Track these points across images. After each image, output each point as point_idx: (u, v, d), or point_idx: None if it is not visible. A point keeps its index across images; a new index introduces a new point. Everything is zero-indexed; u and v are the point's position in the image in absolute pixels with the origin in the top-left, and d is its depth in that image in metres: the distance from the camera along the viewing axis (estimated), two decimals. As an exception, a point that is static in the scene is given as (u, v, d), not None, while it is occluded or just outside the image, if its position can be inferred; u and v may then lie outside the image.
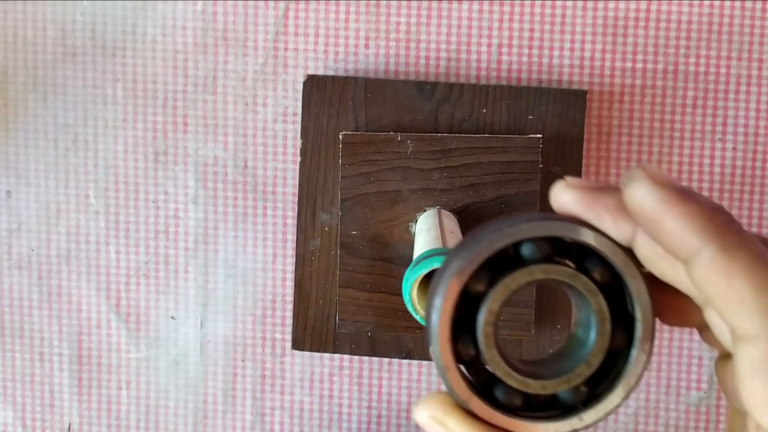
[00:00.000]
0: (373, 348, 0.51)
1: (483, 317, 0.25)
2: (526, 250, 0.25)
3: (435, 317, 0.25)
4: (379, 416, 0.53)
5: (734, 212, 0.51)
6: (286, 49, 0.51)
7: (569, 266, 0.25)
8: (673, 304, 0.26)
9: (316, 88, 0.50)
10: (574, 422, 0.25)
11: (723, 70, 0.51)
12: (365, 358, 0.53)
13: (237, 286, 0.53)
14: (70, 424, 0.54)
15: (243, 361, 0.53)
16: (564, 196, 0.25)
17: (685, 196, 0.23)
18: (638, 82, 0.51)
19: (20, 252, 0.53)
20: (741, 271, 0.23)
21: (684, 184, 0.24)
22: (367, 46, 0.51)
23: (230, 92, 0.52)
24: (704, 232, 0.23)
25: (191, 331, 0.54)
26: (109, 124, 0.52)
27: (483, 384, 0.26)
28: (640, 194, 0.23)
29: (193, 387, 0.54)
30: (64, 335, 0.54)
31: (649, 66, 0.51)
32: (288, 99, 0.52)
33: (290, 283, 0.53)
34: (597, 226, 0.25)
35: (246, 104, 0.52)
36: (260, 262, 0.53)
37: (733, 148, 0.51)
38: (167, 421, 0.54)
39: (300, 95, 0.51)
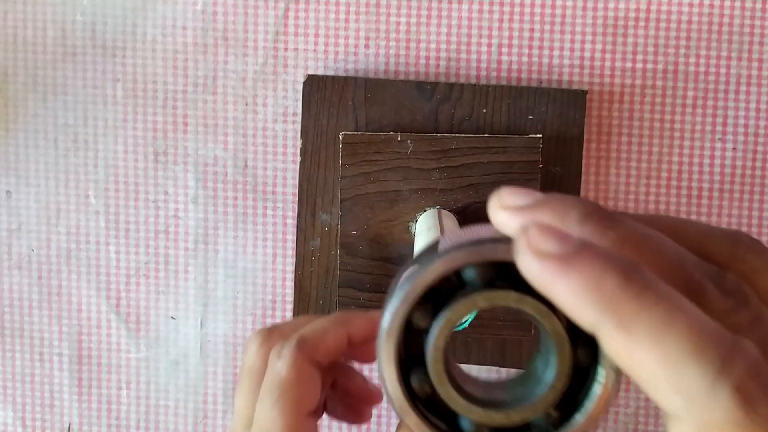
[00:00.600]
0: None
1: (431, 355, 0.24)
2: (468, 275, 0.24)
3: (380, 360, 0.24)
4: (379, 416, 0.53)
5: (734, 212, 0.51)
6: (286, 49, 0.51)
7: (513, 290, 0.23)
8: None
9: (316, 88, 0.50)
10: None
11: (723, 70, 0.51)
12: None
13: (237, 286, 0.53)
14: (70, 424, 0.54)
15: (243, 361, 0.54)
16: (499, 216, 0.23)
17: (565, 266, 0.21)
18: (638, 82, 0.51)
19: (20, 252, 0.53)
20: (644, 347, 0.20)
21: (613, 210, 0.22)
22: (367, 46, 0.51)
23: (230, 92, 0.52)
24: (594, 308, 0.20)
25: (191, 331, 0.54)
26: (109, 124, 0.52)
27: (449, 415, 0.25)
28: (525, 268, 0.21)
29: (193, 387, 0.54)
30: (64, 335, 0.54)
31: (649, 66, 0.51)
32: (288, 99, 0.52)
33: (290, 283, 0.53)
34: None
35: (246, 104, 0.52)
36: (260, 262, 0.53)
37: (733, 148, 0.51)
38: (167, 421, 0.54)
39: (300, 95, 0.51)
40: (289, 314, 0.53)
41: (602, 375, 0.23)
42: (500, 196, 0.23)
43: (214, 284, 0.53)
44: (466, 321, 0.38)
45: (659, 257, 0.22)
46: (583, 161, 0.51)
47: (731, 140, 0.51)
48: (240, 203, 0.53)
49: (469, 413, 0.24)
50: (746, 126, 0.51)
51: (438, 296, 0.24)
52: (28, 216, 0.53)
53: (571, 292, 0.21)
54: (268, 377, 0.35)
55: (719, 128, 0.51)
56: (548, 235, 0.21)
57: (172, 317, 0.54)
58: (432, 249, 0.25)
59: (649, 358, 0.20)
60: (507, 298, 0.23)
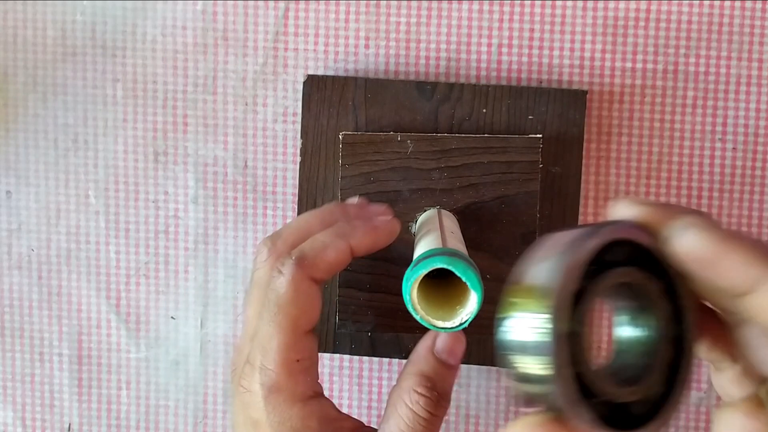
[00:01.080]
0: (373, 348, 0.51)
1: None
2: (609, 256, 0.25)
3: (551, 359, 0.24)
4: (379, 416, 0.53)
5: (734, 212, 0.51)
6: (286, 49, 0.51)
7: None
8: (708, 328, 0.28)
9: (316, 88, 0.50)
10: (663, 419, 0.26)
11: (723, 70, 0.51)
12: (365, 358, 0.53)
13: (237, 286, 0.53)
14: (70, 424, 0.54)
15: (243, 361, 0.54)
16: (629, 210, 0.27)
17: (734, 237, 0.25)
18: (638, 82, 0.51)
19: (20, 252, 0.53)
20: None
21: (686, 185, 0.27)
22: (367, 46, 0.51)
23: (230, 92, 0.52)
24: (761, 265, 0.25)
25: (191, 331, 0.54)
26: (109, 124, 0.52)
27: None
28: (694, 241, 0.25)
29: (193, 387, 0.54)
30: (64, 335, 0.54)
31: (649, 66, 0.51)
32: (288, 99, 0.52)
33: (290, 283, 0.53)
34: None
35: (246, 104, 0.52)
36: (260, 262, 0.53)
37: (733, 148, 0.51)
38: (167, 421, 0.54)
39: (300, 95, 0.51)
40: (289, 314, 0.53)
41: (686, 365, 0.26)
42: (629, 198, 0.27)
43: (214, 284, 0.53)
44: (466, 321, 0.38)
45: None
46: (583, 161, 0.51)
47: (731, 140, 0.51)
48: (240, 203, 0.53)
49: (610, 390, 0.25)
50: (746, 126, 0.51)
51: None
52: (28, 216, 0.53)
53: (741, 256, 0.25)
54: (268, 293, 0.36)
55: (719, 128, 0.51)
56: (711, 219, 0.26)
57: (172, 317, 0.54)
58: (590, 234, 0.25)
59: None
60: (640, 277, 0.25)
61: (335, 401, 0.53)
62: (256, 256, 0.39)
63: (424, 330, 0.39)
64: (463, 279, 0.37)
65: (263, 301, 0.37)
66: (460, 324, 0.39)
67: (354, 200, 0.45)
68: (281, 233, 0.40)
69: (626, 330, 0.27)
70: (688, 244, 0.25)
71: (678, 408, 0.26)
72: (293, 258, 0.36)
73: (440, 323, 0.38)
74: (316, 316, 0.37)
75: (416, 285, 0.38)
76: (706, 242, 0.25)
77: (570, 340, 0.24)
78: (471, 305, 0.38)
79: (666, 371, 0.26)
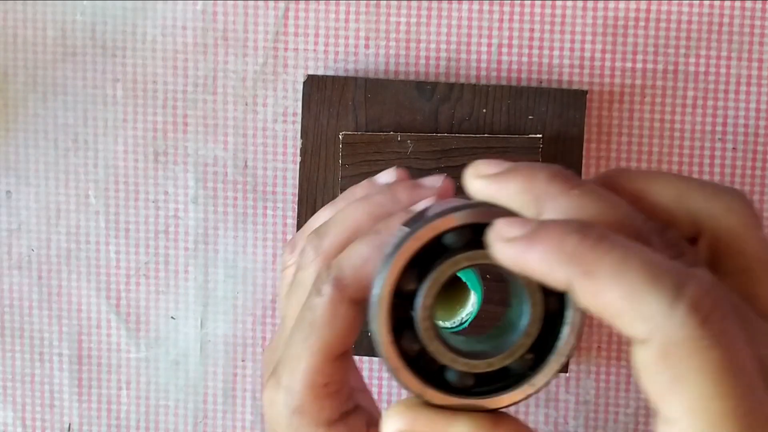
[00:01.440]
0: (373, 348, 0.51)
1: (419, 314, 0.27)
2: (448, 240, 0.27)
3: (374, 325, 0.27)
4: (379, 416, 0.53)
5: (734, 212, 0.51)
6: (286, 49, 0.51)
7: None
8: None
9: (316, 88, 0.50)
10: (525, 389, 0.27)
11: (723, 70, 0.51)
12: (365, 358, 0.53)
13: (237, 286, 0.53)
14: (70, 424, 0.54)
15: (243, 361, 0.54)
16: (475, 184, 0.27)
17: (531, 241, 0.24)
18: (638, 82, 0.51)
19: (20, 252, 0.53)
20: (608, 287, 0.23)
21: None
22: (367, 46, 0.51)
23: (230, 92, 0.52)
24: (562, 266, 0.24)
25: (191, 331, 0.54)
26: (109, 124, 0.52)
27: (436, 371, 0.28)
28: (500, 254, 0.25)
29: (193, 387, 0.54)
30: (64, 335, 0.54)
31: (649, 66, 0.51)
32: (288, 99, 0.52)
33: (290, 283, 0.53)
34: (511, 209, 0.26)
35: (246, 104, 0.52)
36: (260, 262, 0.53)
37: (733, 148, 0.51)
38: (167, 421, 0.54)
39: (300, 95, 0.51)
40: (289, 314, 0.53)
41: (570, 317, 0.26)
42: (476, 167, 0.27)
43: (214, 284, 0.53)
44: (466, 321, 0.38)
45: (613, 212, 0.25)
46: (583, 161, 0.51)
47: (731, 140, 0.51)
48: (240, 203, 0.53)
49: (454, 364, 0.27)
50: (746, 126, 0.51)
51: (423, 262, 0.27)
52: (28, 216, 0.53)
53: (541, 260, 0.24)
54: (303, 311, 0.35)
55: (719, 128, 0.51)
56: (512, 223, 0.25)
57: (172, 317, 0.54)
58: (417, 218, 0.28)
59: (614, 296, 0.23)
60: (485, 256, 0.26)
61: (335, 401, 0.53)
62: (302, 256, 0.37)
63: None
64: (463, 279, 0.37)
65: (301, 314, 0.36)
66: (460, 324, 0.39)
67: (392, 175, 0.39)
68: (327, 231, 0.37)
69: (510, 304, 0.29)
70: (497, 256, 0.25)
71: (540, 381, 0.27)
72: (332, 277, 0.34)
73: (440, 323, 0.38)
74: (352, 339, 0.35)
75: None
76: (507, 255, 0.25)
77: (399, 310, 0.27)
78: (470, 305, 0.38)
79: (537, 337, 0.27)
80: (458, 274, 0.30)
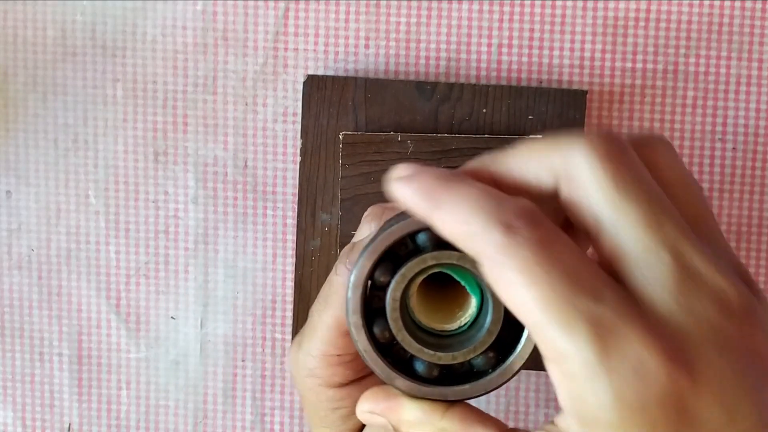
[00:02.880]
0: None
1: (389, 305, 0.30)
2: (420, 240, 0.29)
3: (349, 309, 0.30)
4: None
5: (734, 212, 0.51)
6: (286, 49, 0.51)
7: (455, 250, 0.28)
8: None
9: (316, 88, 0.50)
10: (484, 384, 0.29)
11: (723, 70, 0.51)
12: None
13: (237, 286, 0.53)
14: (70, 424, 0.54)
15: (243, 361, 0.54)
16: (392, 186, 0.29)
17: (408, 181, 0.28)
18: (638, 82, 0.51)
19: (20, 252, 0.53)
20: (449, 217, 0.26)
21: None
22: (367, 46, 0.51)
23: (230, 92, 0.52)
24: (423, 202, 0.27)
25: (191, 331, 0.54)
26: (109, 124, 0.52)
27: (407, 361, 0.30)
28: (391, 191, 0.28)
29: (193, 387, 0.54)
30: (64, 335, 0.54)
31: (649, 66, 0.51)
32: (288, 99, 0.52)
33: (290, 283, 0.53)
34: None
35: (246, 104, 0.52)
36: (260, 262, 0.53)
37: (733, 148, 0.51)
38: (167, 421, 0.54)
39: (300, 95, 0.51)
40: (289, 314, 0.53)
41: None
42: (394, 170, 0.29)
43: (214, 284, 0.53)
44: (465, 325, 0.38)
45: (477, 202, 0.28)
46: (583, 161, 0.51)
47: (731, 140, 0.51)
48: (240, 203, 0.53)
49: (421, 354, 0.30)
50: (746, 126, 0.51)
51: (397, 258, 0.30)
52: (28, 216, 0.53)
53: (413, 196, 0.28)
54: (323, 287, 0.38)
55: (719, 128, 0.51)
56: (405, 167, 0.29)
57: (172, 317, 0.54)
58: (396, 218, 0.31)
59: (454, 223, 0.26)
60: (451, 257, 0.29)
61: (335, 401, 0.54)
62: (337, 263, 0.39)
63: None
64: (462, 283, 0.37)
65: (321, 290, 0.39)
66: (459, 328, 0.39)
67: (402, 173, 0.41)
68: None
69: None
70: (391, 191, 0.28)
71: (499, 379, 0.29)
72: (347, 260, 0.37)
73: (438, 327, 0.38)
74: None
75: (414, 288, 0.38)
76: (395, 190, 0.28)
77: (375, 300, 0.30)
78: (470, 309, 0.38)
79: (492, 342, 0.30)
80: (456, 278, 0.31)
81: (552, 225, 0.26)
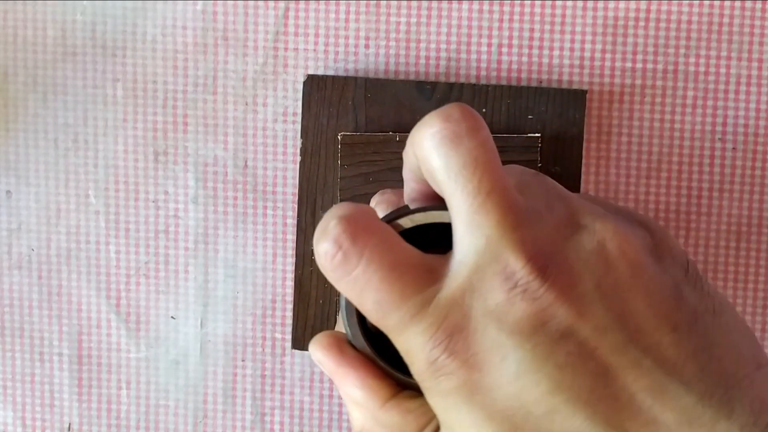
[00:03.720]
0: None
1: None
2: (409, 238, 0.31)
3: (342, 308, 0.31)
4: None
5: (734, 212, 0.51)
6: (286, 49, 0.51)
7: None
8: None
9: (316, 88, 0.50)
10: None
11: (723, 70, 0.51)
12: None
13: (237, 286, 0.53)
14: (70, 424, 0.54)
15: (243, 361, 0.54)
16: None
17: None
18: (638, 82, 0.51)
19: (20, 252, 0.53)
20: (359, 306, 0.30)
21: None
22: (367, 46, 0.51)
23: (230, 92, 0.52)
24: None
25: (191, 331, 0.54)
26: (109, 124, 0.52)
27: (396, 355, 0.31)
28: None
29: (193, 387, 0.54)
30: (64, 335, 0.54)
31: (649, 66, 0.51)
32: (288, 99, 0.52)
33: (290, 283, 0.53)
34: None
35: (246, 104, 0.52)
36: (260, 262, 0.53)
37: (733, 148, 0.51)
38: (167, 421, 0.54)
39: (300, 95, 0.51)
40: (289, 314, 0.53)
41: None
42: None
43: (214, 284, 0.53)
44: None
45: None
46: (583, 161, 0.51)
47: (731, 140, 0.51)
48: (240, 203, 0.53)
49: None
50: (746, 126, 0.51)
51: None
52: (28, 216, 0.53)
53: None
54: None
55: (719, 128, 0.51)
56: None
57: (172, 317, 0.54)
58: (392, 214, 0.33)
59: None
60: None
61: (335, 401, 0.54)
62: None
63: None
64: None
65: None
66: None
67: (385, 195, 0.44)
68: None
69: None
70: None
71: None
72: None
73: None
74: None
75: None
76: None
77: None
78: None
79: None
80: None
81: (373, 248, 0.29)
